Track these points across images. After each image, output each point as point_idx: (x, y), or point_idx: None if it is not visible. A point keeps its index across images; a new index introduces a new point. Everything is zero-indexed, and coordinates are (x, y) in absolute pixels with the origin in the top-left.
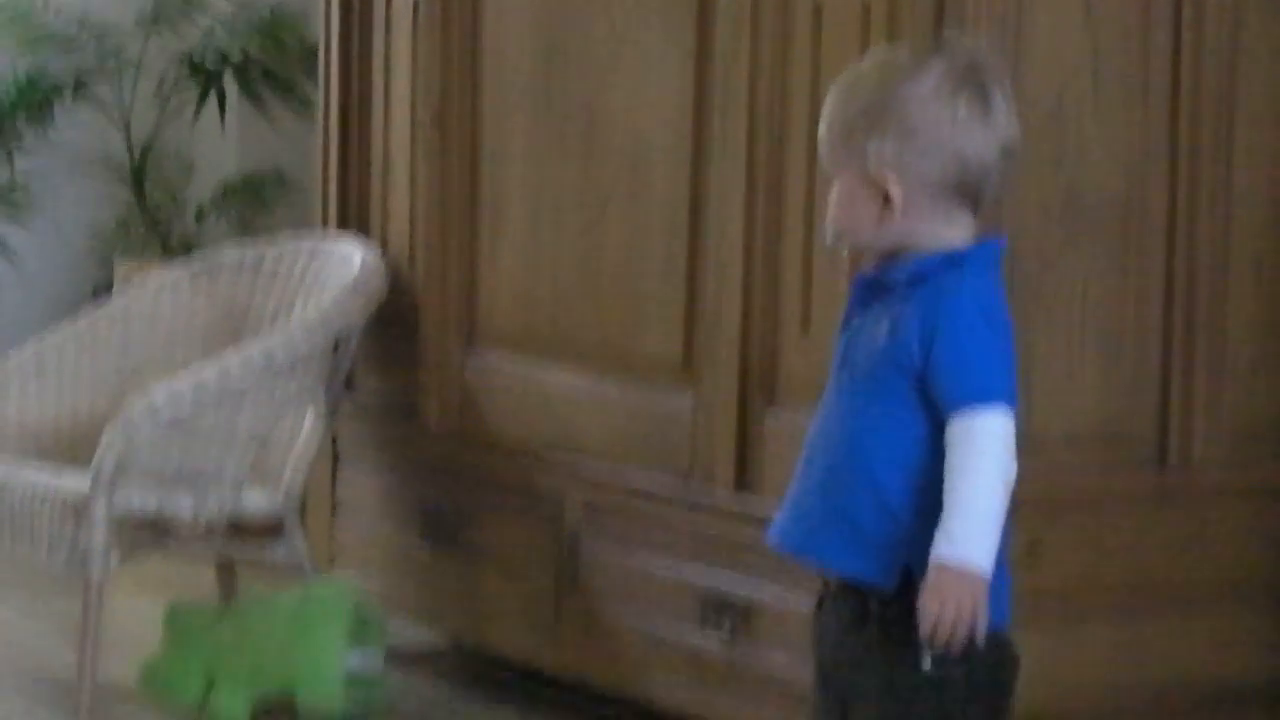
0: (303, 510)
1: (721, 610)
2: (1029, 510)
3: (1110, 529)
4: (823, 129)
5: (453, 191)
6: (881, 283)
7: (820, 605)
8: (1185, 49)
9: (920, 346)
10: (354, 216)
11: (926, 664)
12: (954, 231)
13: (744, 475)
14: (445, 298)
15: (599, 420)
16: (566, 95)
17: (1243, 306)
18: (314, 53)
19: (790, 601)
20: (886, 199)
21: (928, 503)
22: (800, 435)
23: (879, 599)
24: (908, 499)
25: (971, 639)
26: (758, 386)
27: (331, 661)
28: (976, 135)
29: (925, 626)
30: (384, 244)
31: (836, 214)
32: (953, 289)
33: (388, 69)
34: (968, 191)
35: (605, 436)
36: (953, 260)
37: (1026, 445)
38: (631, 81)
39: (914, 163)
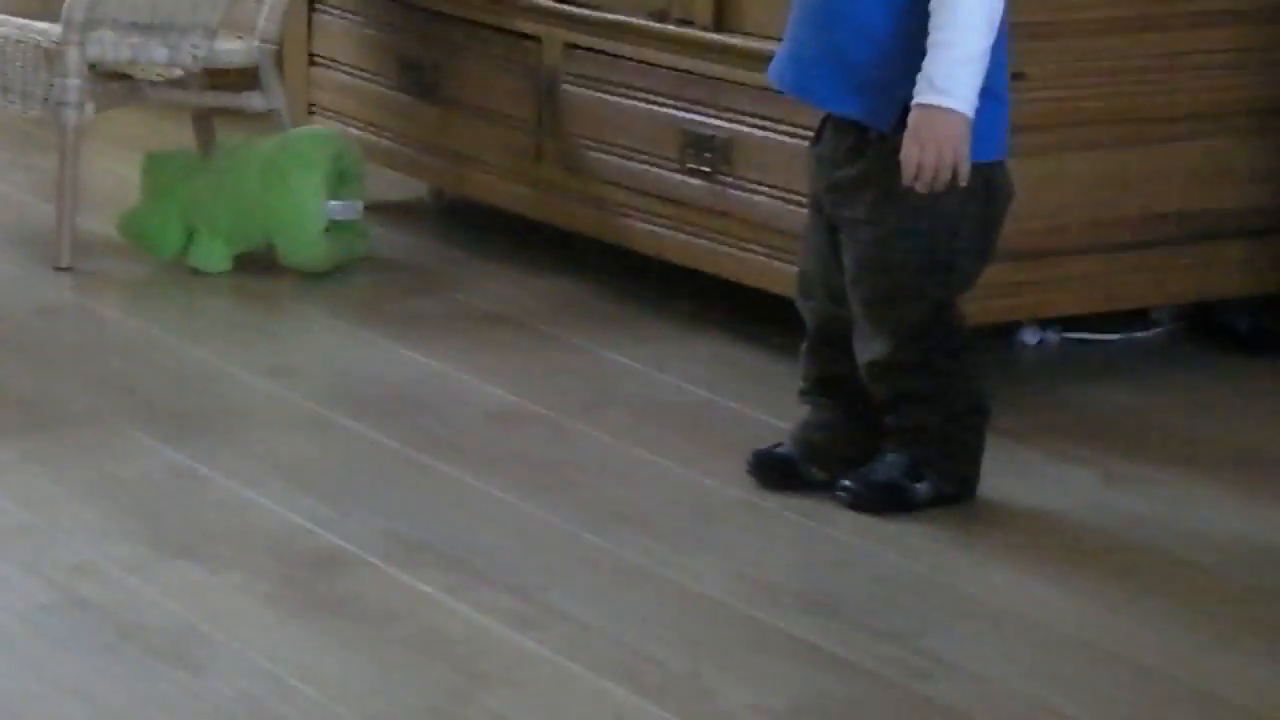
0: (279, 63)
1: (701, 148)
2: (1011, 42)
3: (1092, 57)
4: None
5: None
6: None
7: (819, 137)
8: None
9: None
10: None
11: (918, 188)
12: None
13: (722, 11)
14: None
15: None
16: None
17: None
18: None
19: (770, 139)
20: None
21: (920, 39)
22: None
23: (877, 132)
24: (898, 35)
25: (955, 178)
26: None
27: (310, 210)
28: None
29: (908, 170)
30: None
31: None
32: None
33: None
34: None
35: None
36: None
37: None
38: None
39: None
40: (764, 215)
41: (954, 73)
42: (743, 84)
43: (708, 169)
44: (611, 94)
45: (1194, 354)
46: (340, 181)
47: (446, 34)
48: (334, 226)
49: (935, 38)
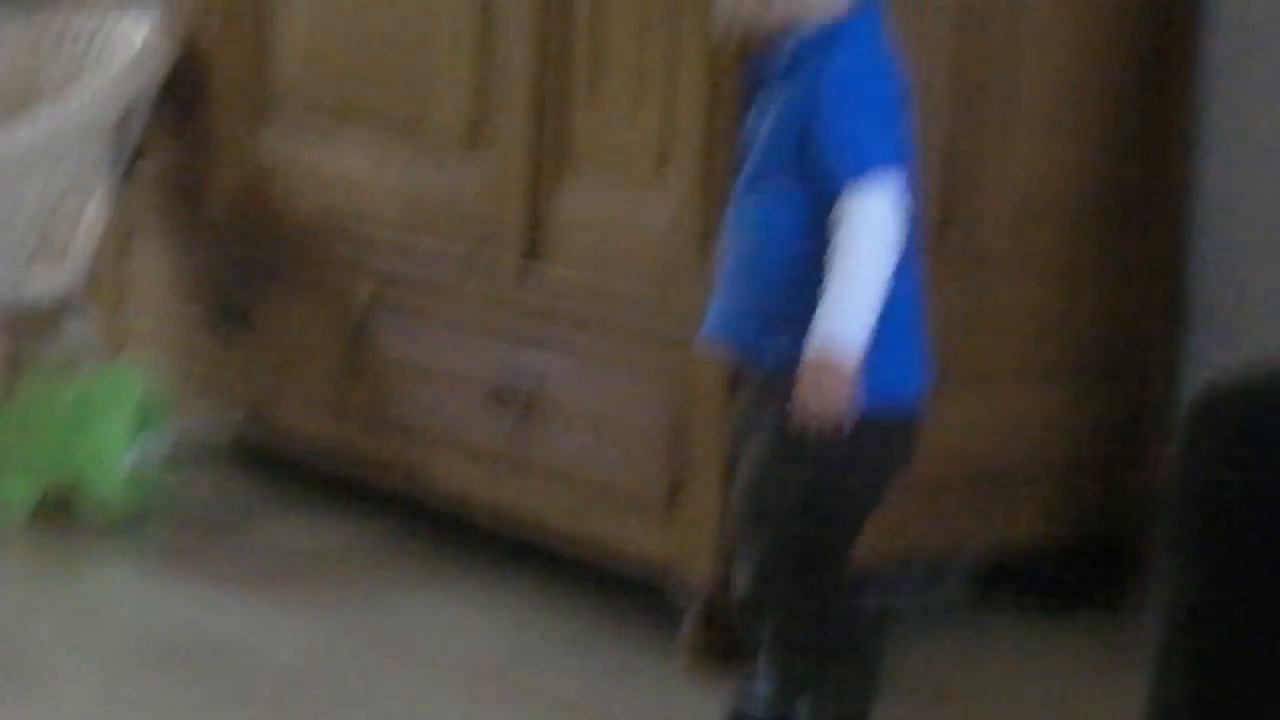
0: (89, 299)
1: (508, 395)
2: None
3: None
4: None
5: None
6: (768, 71)
7: (740, 379)
8: None
9: (803, 132)
10: None
11: (810, 430)
12: None
13: (535, 247)
14: (234, 69)
15: (389, 196)
16: None
17: (1036, 72)
18: None
19: (580, 388)
20: None
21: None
22: (593, 206)
23: (775, 372)
24: (821, 279)
25: (840, 425)
26: (550, 155)
27: (115, 450)
28: None
29: (798, 418)
30: (175, 11)
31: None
32: (827, 70)
33: None
34: None
35: (395, 213)
36: (830, 37)
37: None
38: None
39: None
40: (568, 465)
41: (841, 324)
42: (554, 328)
43: (514, 414)
44: (420, 337)
45: (989, 614)
46: (147, 421)
47: (258, 275)
48: (139, 467)
49: (829, 290)
